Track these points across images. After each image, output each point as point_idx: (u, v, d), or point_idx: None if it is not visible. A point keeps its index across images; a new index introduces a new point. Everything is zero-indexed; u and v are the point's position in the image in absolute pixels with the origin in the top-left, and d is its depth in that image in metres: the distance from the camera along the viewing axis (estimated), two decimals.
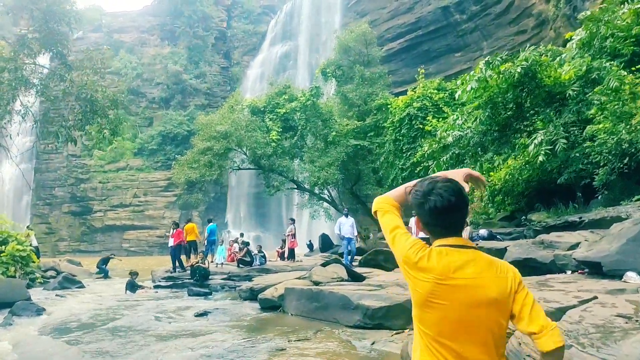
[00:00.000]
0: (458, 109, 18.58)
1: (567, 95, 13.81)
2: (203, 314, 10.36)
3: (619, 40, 14.75)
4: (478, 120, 15.05)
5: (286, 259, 20.04)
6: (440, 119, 27.28)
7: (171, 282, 16.81)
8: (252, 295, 12.30)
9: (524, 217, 14.85)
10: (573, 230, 11.96)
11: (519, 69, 13.85)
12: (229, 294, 14.22)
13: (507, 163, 17.30)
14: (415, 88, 31.71)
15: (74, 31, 24.38)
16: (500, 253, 9.38)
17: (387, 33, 54.47)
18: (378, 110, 32.88)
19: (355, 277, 13.17)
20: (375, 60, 36.33)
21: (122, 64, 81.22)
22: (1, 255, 16.02)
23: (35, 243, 20.95)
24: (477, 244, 10.24)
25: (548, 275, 7.38)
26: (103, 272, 22.65)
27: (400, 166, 29.08)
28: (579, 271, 7.42)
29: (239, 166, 32.02)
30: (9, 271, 15.81)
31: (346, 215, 16.56)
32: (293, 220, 21.19)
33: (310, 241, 36.78)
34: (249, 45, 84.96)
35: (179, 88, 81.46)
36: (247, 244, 20.05)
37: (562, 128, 13.12)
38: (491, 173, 18.47)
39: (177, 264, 18.16)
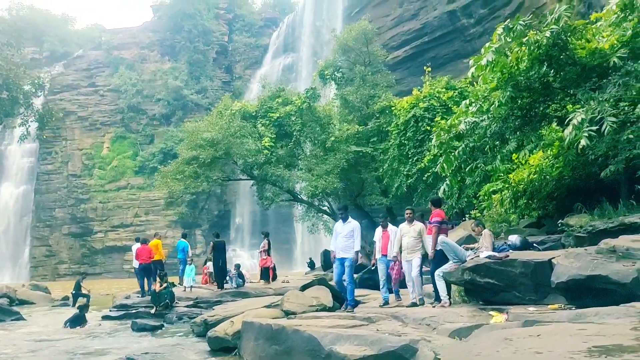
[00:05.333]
0: (469, 94, 15.69)
1: (611, 64, 10.87)
2: None
3: None
4: (497, 102, 12.12)
5: (261, 281, 16.98)
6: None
7: (123, 312, 13.92)
8: (206, 329, 9.40)
9: (560, 222, 11.87)
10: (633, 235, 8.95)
11: (547, 34, 10.95)
12: (183, 327, 11.30)
13: (532, 160, 14.33)
14: (421, 89, 29.04)
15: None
16: (542, 270, 6.44)
17: (391, 41, 52.73)
18: (381, 114, 30.15)
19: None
20: (377, 60, 33.64)
21: (122, 81, 79.83)
22: None
23: None
24: (506, 257, 7.26)
25: (633, 305, 4.40)
26: (75, 299, 19.65)
27: (405, 172, 26.25)
28: None
29: (229, 177, 29.23)
30: None
31: (343, 219, 10.85)
32: (266, 234, 18.19)
33: (310, 259, 33.82)
34: (251, 59, 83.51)
35: (180, 104, 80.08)
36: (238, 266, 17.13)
37: (607, 104, 10.15)
38: (510, 175, 15.50)
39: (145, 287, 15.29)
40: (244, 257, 63.67)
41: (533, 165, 14.72)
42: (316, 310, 8.98)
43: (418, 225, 9.86)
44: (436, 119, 25.33)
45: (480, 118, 12.45)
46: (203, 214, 77.51)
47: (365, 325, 6.52)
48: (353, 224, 10.63)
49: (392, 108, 28.89)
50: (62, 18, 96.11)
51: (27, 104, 19.48)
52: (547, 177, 14.10)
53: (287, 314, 8.79)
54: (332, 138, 28.31)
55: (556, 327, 3.86)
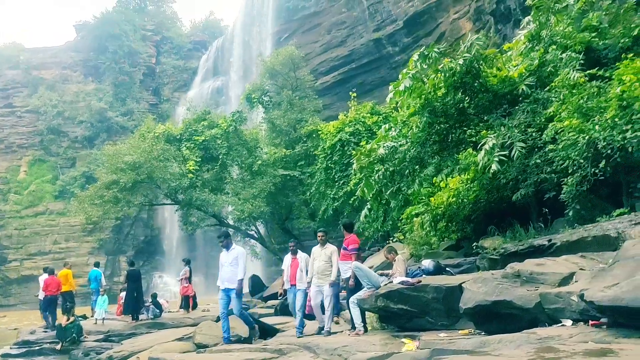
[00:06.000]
0: (391, 119, 15.97)
1: (520, 91, 11.34)
2: None
3: (569, 36, 12.52)
4: (415, 127, 12.33)
5: (180, 310, 16.31)
6: None
7: (25, 349, 12.87)
8: None
9: (474, 245, 12.11)
10: (541, 257, 9.22)
11: (460, 62, 11.30)
12: None
13: (450, 184, 14.69)
14: (347, 113, 29.43)
15: None
16: (453, 295, 6.42)
17: (320, 67, 53.58)
18: (308, 137, 30.28)
19: (266, 332, 9.92)
20: (304, 85, 33.89)
21: (42, 102, 76.56)
22: None
23: None
24: (419, 282, 7.22)
25: (540, 331, 4.37)
26: None
27: (332, 196, 26.34)
28: (592, 322, 4.49)
29: (152, 201, 28.25)
30: None
31: (226, 247, 9.73)
32: (187, 261, 17.57)
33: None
34: (180, 82, 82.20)
35: (104, 126, 77.55)
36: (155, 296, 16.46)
37: (516, 130, 10.53)
38: (431, 198, 15.80)
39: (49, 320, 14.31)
40: (171, 284, 61.54)
41: (452, 189, 15.08)
42: (229, 343, 8.61)
43: (330, 248, 9.37)
44: (362, 143, 25.69)
45: (399, 142, 12.63)
46: (128, 240, 74.71)
47: (275, 358, 6.25)
48: (237, 251, 9.73)
49: (319, 132, 29.10)
50: None
51: None
52: (465, 200, 14.45)
53: (199, 346, 8.36)
54: (259, 162, 28.14)
55: None
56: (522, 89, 11.22)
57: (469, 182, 13.79)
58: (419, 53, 11.88)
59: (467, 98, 12.65)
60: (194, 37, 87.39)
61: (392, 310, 7.02)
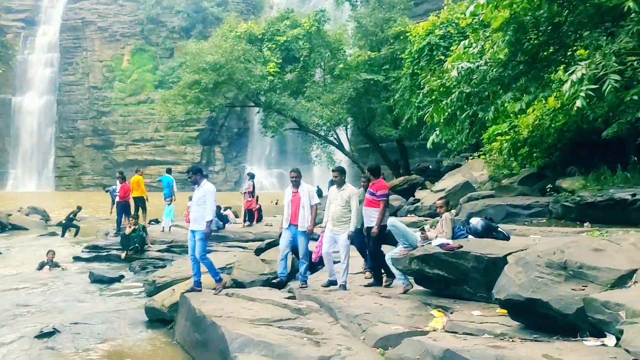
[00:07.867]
0: (473, 33, 14.24)
1: (626, 9, 9.40)
2: (50, 333, 7.05)
3: None
4: (496, 46, 10.81)
5: (245, 223, 16.40)
6: None
7: (94, 254, 13.60)
8: (156, 290, 8.92)
9: (549, 187, 10.88)
10: (622, 218, 7.97)
11: None
12: (142, 280, 10.84)
13: (537, 106, 13.15)
14: (439, 14, 27.02)
15: None
16: (495, 267, 5.55)
17: None
18: (396, 39, 28.36)
19: (312, 266, 9.59)
20: None
21: None
22: None
23: None
24: (459, 247, 6.40)
25: (566, 348, 3.48)
26: (64, 230, 19.72)
27: (416, 104, 24.88)
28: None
29: (233, 103, 28.27)
30: None
31: (195, 183, 8.34)
32: (252, 176, 17.38)
33: (318, 187, 33.36)
34: None
35: (200, 17, 78.19)
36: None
37: (614, 57, 8.82)
38: (516, 118, 14.30)
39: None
40: (261, 176, 63.30)
41: (541, 111, 13.54)
42: (267, 280, 8.39)
43: (348, 190, 8.13)
44: (452, 48, 23.69)
45: (477, 63, 11.19)
46: (223, 131, 77.23)
47: (291, 320, 5.90)
48: (205, 189, 8.22)
49: (408, 34, 27.16)
50: None
51: None
52: (551, 127, 12.98)
53: (236, 283, 8.25)
54: (342, 65, 26.92)
55: None
56: (629, 6, 9.28)
57: (556, 109, 12.27)
58: None
59: (563, 11, 10.83)
60: None
61: (428, 274, 6.35)
